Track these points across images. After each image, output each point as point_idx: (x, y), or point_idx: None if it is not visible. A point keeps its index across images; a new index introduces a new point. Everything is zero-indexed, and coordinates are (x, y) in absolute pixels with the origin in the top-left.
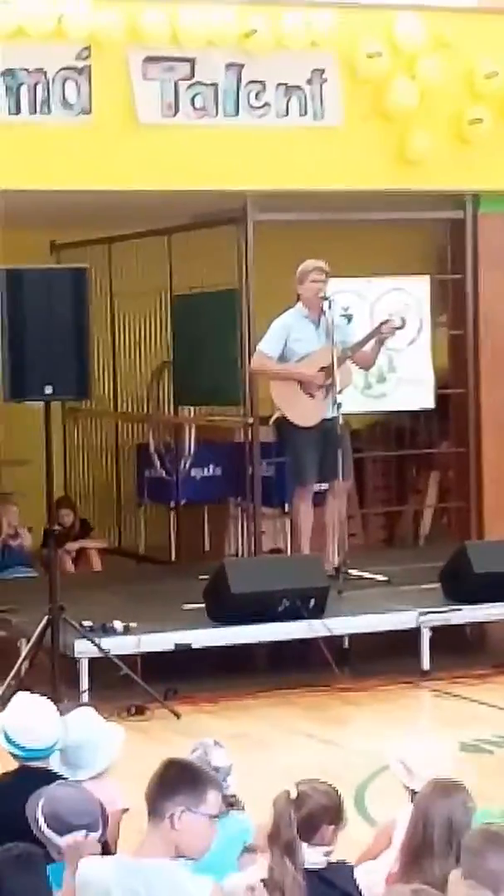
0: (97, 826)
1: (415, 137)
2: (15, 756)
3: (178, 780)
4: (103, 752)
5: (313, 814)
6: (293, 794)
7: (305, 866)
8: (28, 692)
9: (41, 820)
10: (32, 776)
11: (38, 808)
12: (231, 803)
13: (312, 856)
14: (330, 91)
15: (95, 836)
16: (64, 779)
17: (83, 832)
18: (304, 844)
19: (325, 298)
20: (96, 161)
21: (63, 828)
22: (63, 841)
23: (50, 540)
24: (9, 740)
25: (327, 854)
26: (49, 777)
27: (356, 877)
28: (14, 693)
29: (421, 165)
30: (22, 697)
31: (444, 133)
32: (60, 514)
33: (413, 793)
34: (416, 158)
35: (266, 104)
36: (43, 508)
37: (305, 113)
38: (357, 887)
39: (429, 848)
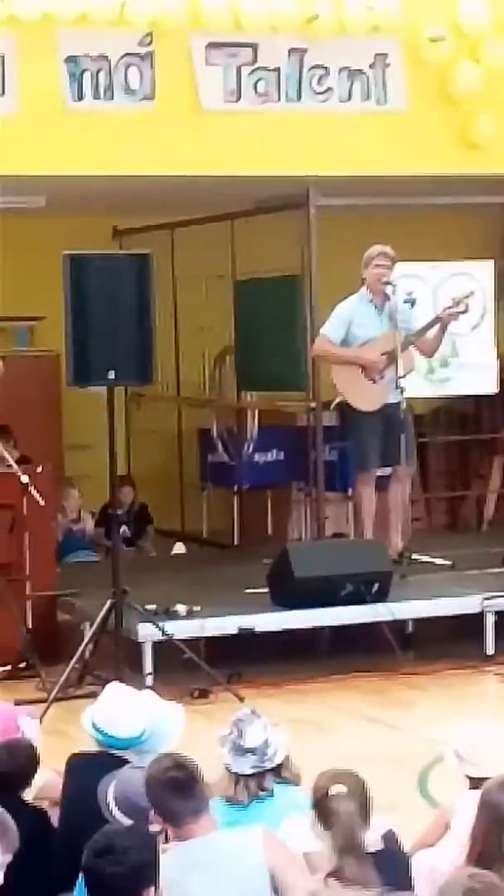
0: None
1: (479, 122)
2: (97, 742)
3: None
4: (167, 737)
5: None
6: (339, 790)
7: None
8: (91, 676)
9: (112, 803)
10: (112, 762)
11: (110, 791)
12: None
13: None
14: (393, 75)
15: None
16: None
17: None
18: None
19: (389, 283)
20: (159, 147)
21: (133, 811)
22: None
23: (113, 524)
24: (94, 727)
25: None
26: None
27: (412, 862)
28: (79, 676)
29: (485, 150)
30: (115, 687)
31: None
32: (121, 492)
33: (469, 779)
34: (480, 143)
35: (329, 89)
36: (105, 493)
37: (368, 97)
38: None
39: (493, 847)
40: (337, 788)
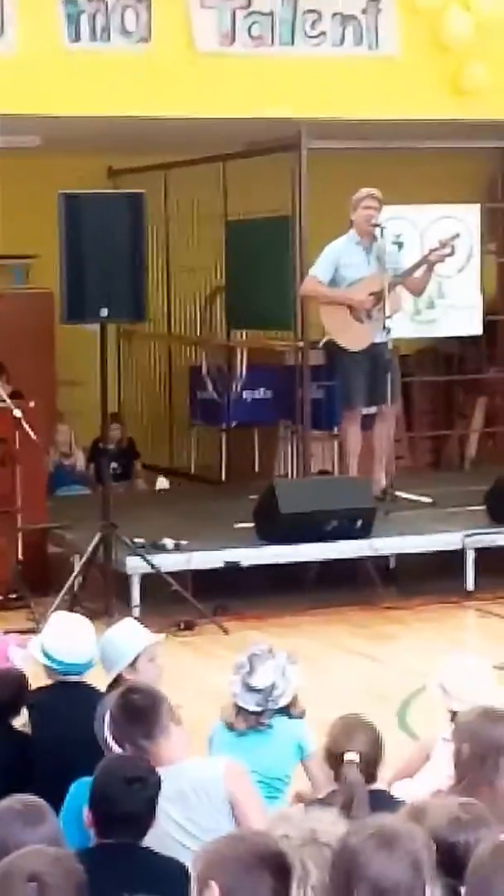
0: None
1: (469, 69)
2: (52, 670)
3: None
4: (125, 645)
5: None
6: (353, 758)
7: None
8: (80, 607)
9: (108, 733)
10: (72, 690)
11: (106, 719)
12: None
13: None
14: (385, 21)
15: None
16: (97, 690)
17: None
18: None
19: (377, 225)
20: (154, 88)
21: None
22: None
23: (102, 459)
24: (48, 656)
25: None
26: (88, 690)
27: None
28: (68, 607)
29: (475, 95)
30: (60, 615)
31: (498, 64)
32: (110, 428)
33: (452, 713)
34: (471, 89)
35: (322, 33)
36: (96, 429)
37: (361, 42)
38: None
39: (478, 775)
40: (351, 756)
